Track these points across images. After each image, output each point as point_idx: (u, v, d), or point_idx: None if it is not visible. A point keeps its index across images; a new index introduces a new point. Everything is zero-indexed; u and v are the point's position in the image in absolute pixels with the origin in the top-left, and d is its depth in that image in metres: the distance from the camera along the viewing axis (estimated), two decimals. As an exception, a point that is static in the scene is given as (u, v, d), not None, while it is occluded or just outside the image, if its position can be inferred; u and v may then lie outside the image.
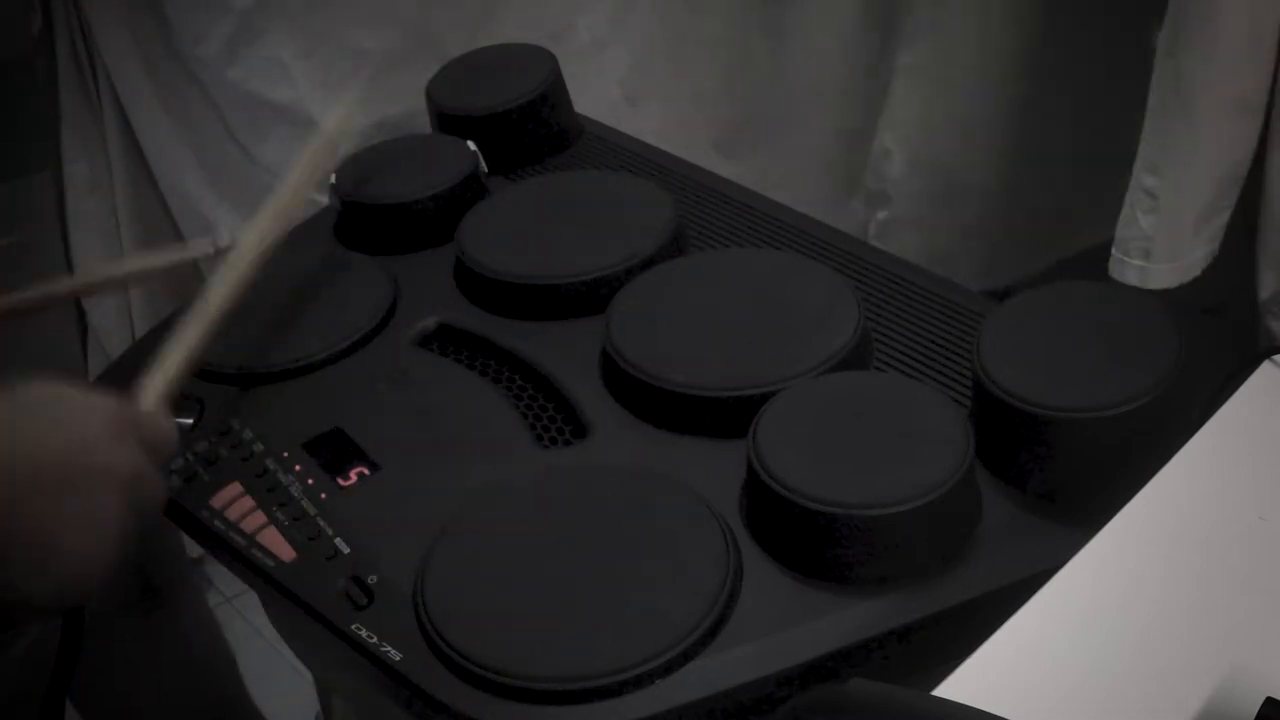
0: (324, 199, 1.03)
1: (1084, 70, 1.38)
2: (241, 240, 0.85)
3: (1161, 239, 1.02)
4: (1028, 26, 1.39)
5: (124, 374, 0.90)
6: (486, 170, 1.03)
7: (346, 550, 0.74)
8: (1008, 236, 1.54)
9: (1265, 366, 0.71)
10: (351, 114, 1.06)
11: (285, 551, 0.75)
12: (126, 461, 0.63)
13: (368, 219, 0.99)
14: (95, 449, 0.62)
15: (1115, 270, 1.06)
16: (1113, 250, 1.06)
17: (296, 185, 0.92)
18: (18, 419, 0.61)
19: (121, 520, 0.61)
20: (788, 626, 0.67)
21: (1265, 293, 1.02)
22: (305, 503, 0.77)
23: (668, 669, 0.64)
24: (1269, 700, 0.51)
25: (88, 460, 0.61)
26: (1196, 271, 1.04)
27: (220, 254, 0.82)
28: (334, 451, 0.80)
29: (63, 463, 0.60)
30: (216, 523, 0.78)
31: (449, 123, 1.08)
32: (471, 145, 1.03)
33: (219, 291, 0.80)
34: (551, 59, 1.10)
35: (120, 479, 0.62)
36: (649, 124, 1.33)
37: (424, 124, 1.12)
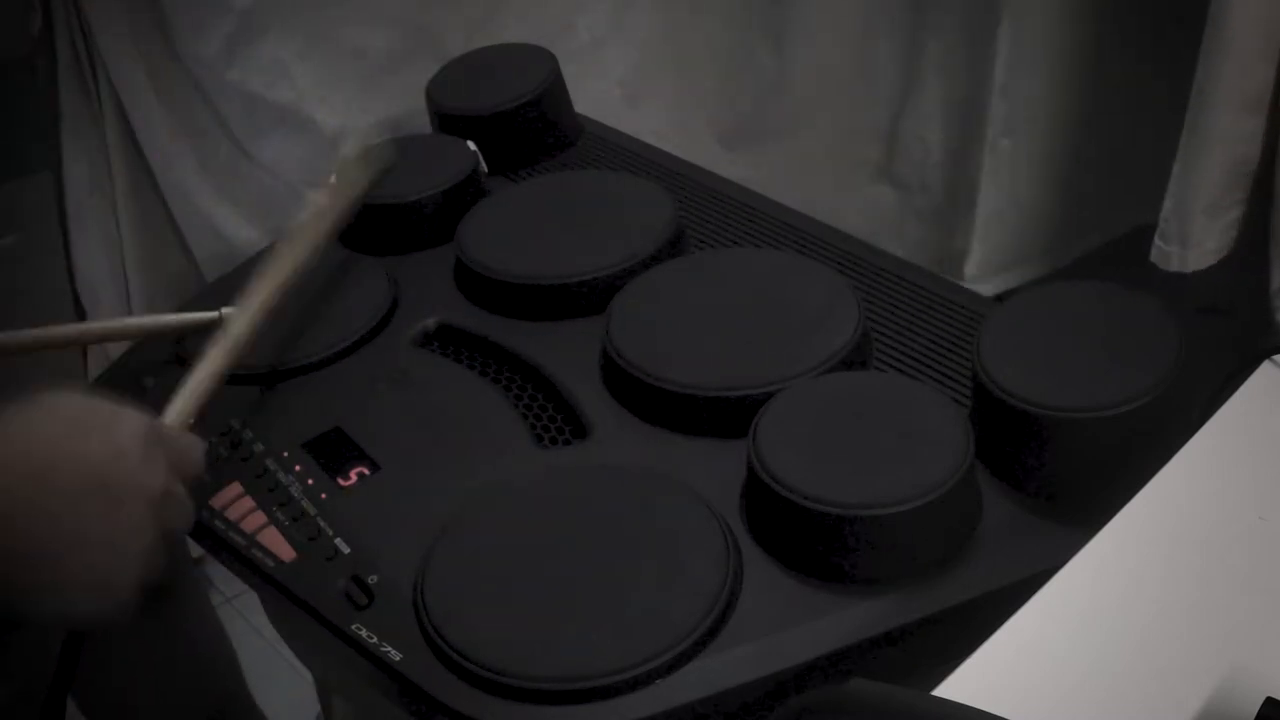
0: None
1: (1117, 59, 1.38)
2: (266, 266, 0.82)
3: (1175, 222, 1.03)
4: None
5: (123, 377, 0.90)
6: (486, 170, 1.03)
7: (346, 550, 0.74)
8: (1037, 223, 1.53)
9: (1265, 366, 0.71)
10: (370, 149, 0.98)
11: (285, 551, 0.75)
12: (157, 475, 0.60)
13: (368, 219, 0.99)
14: (126, 458, 0.59)
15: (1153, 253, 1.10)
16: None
17: (315, 224, 0.89)
18: (42, 422, 0.58)
19: (146, 537, 0.59)
20: (788, 626, 0.67)
21: (1277, 282, 1.02)
22: (305, 503, 0.77)
23: (668, 669, 0.64)
24: (1269, 700, 0.51)
25: (117, 469, 0.58)
26: (1209, 261, 1.05)
27: (223, 321, 0.79)
28: (334, 451, 0.80)
29: (89, 470, 0.58)
30: (216, 523, 0.78)
31: (449, 123, 1.08)
32: (471, 145, 1.03)
33: (243, 318, 0.79)
34: (551, 59, 1.10)
35: (150, 492, 0.59)
36: (649, 124, 1.33)
37: (424, 124, 1.12)
